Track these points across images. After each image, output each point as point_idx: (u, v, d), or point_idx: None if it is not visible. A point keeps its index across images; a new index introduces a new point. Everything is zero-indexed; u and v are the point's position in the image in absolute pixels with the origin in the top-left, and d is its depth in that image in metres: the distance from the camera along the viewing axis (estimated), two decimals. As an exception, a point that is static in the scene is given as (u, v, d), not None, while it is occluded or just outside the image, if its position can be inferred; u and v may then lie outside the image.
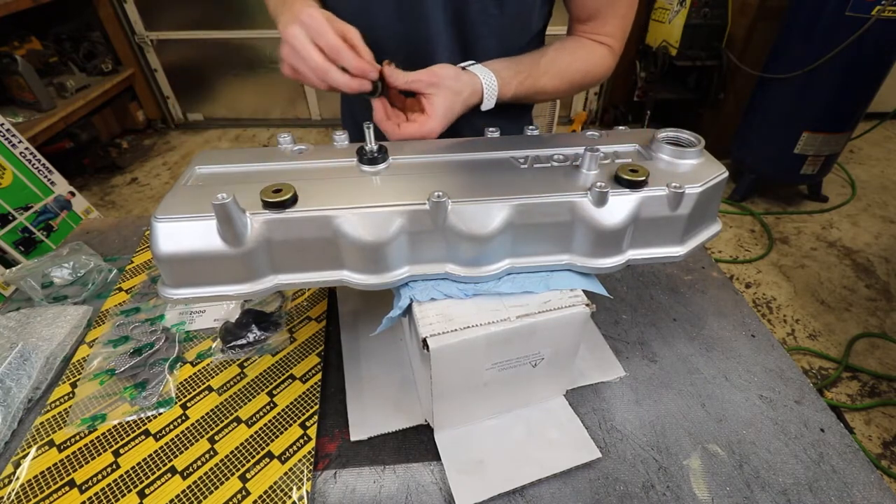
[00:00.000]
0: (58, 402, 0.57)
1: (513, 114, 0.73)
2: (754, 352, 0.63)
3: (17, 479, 0.49)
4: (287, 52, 0.53)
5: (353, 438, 0.53)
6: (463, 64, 0.64)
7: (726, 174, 0.49)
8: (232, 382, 0.59)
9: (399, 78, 0.57)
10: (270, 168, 0.51)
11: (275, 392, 0.57)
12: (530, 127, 0.59)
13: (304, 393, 0.57)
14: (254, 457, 0.50)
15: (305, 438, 0.52)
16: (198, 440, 0.52)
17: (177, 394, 0.57)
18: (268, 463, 0.50)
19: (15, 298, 0.73)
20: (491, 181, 0.48)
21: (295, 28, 0.51)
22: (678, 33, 2.44)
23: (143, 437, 0.53)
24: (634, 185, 0.45)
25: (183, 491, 0.48)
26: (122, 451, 0.52)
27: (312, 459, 0.50)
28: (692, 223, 0.49)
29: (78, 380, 0.59)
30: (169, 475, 0.49)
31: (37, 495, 0.48)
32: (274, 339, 0.64)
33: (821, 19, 1.90)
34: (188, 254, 0.42)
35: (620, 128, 0.58)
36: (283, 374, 0.59)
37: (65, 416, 0.55)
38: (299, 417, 0.54)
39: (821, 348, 1.69)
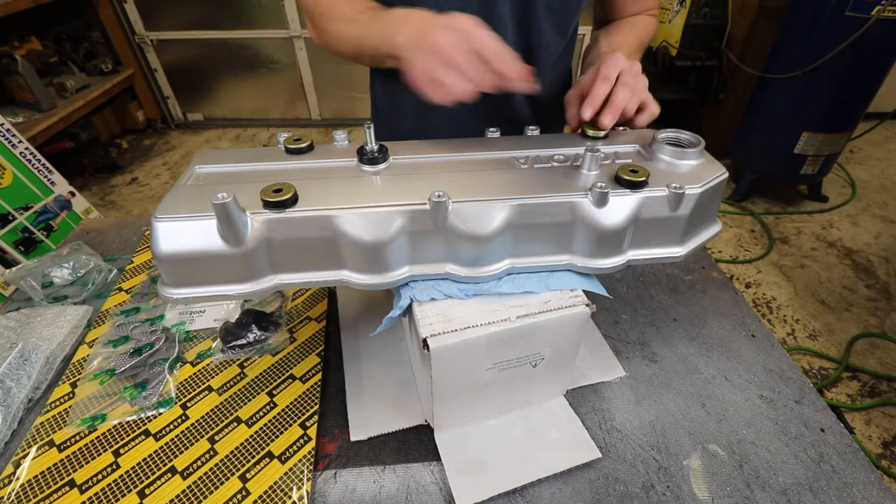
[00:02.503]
0: (58, 402, 0.57)
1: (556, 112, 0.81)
2: (754, 352, 0.63)
3: (17, 479, 0.49)
4: (430, 61, 0.47)
5: (353, 438, 0.53)
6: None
7: (726, 174, 0.49)
8: (232, 382, 0.59)
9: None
10: (271, 168, 0.51)
11: (275, 392, 0.57)
12: (530, 127, 0.58)
13: (304, 393, 0.57)
14: (254, 457, 0.50)
15: (305, 438, 0.52)
16: (198, 440, 0.52)
17: (177, 394, 0.57)
18: (268, 463, 0.50)
19: (15, 298, 0.73)
20: (491, 181, 0.48)
21: (448, 34, 0.46)
22: (678, 33, 2.44)
23: (143, 437, 0.53)
24: (635, 186, 0.45)
25: (183, 491, 0.48)
26: (122, 451, 0.52)
27: (312, 459, 0.50)
28: (692, 223, 0.49)
29: (78, 380, 0.59)
30: (169, 475, 0.49)
31: (37, 495, 0.48)
32: (274, 339, 0.64)
33: (821, 19, 1.90)
34: (188, 253, 0.42)
35: (620, 128, 0.58)
36: (283, 374, 0.59)
37: (65, 416, 0.55)
38: (299, 417, 0.54)
39: (821, 348, 1.69)
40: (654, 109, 0.56)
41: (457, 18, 0.47)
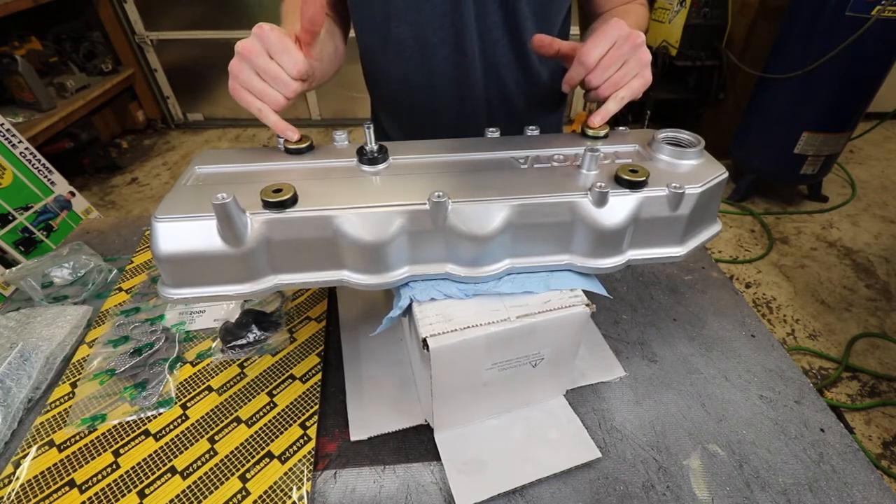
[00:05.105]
0: (58, 402, 0.57)
1: (551, 108, 0.82)
2: (754, 352, 0.63)
3: (17, 479, 0.49)
4: (235, 63, 0.49)
5: (353, 438, 0.53)
6: None
7: (726, 174, 0.49)
8: (232, 382, 0.59)
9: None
10: (270, 168, 0.51)
11: (275, 392, 0.57)
12: (530, 127, 0.58)
13: (304, 393, 0.57)
14: (254, 457, 0.50)
15: (305, 438, 0.52)
16: (198, 440, 0.52)
17: (177, 394, 0.57)
18: (268, 463, 0.50)
19: (15, 298, 0.73)
20: (491, 181, 0.48)
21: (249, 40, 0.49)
22: (678, 33, 2.44)
23: (143, 437, 0.53)
24: (634, 186, 0.45)
25: (183, 491, 0.48)
26: (122, 451, 0.52)
27: (312, 459, 0.50)
28: (692, 223, 0.49)
29: (78, 380, 0.59)
30: (169, 475, 0.49)
31: (37, 495, 0.48)
32: (274, 339, 0.64)
33: (821, 19, 1.90)
34: (188, 254, 0.42)
35: (620, 128, 0.58)
36: (283, 374, 0.59)
37: (65, 416, 0.55)
38: (299, 417, 0.54)
39: (821, 348, 1.69)
40: (647, 77, 0.54)
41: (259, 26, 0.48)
